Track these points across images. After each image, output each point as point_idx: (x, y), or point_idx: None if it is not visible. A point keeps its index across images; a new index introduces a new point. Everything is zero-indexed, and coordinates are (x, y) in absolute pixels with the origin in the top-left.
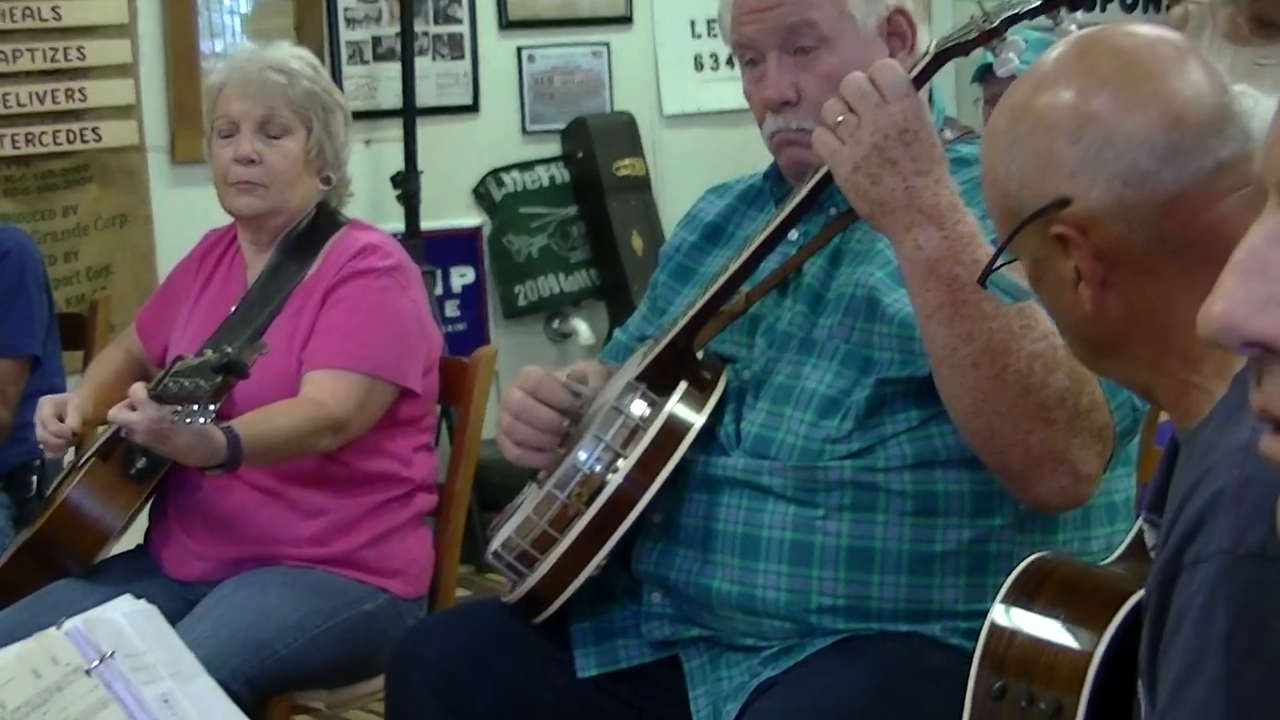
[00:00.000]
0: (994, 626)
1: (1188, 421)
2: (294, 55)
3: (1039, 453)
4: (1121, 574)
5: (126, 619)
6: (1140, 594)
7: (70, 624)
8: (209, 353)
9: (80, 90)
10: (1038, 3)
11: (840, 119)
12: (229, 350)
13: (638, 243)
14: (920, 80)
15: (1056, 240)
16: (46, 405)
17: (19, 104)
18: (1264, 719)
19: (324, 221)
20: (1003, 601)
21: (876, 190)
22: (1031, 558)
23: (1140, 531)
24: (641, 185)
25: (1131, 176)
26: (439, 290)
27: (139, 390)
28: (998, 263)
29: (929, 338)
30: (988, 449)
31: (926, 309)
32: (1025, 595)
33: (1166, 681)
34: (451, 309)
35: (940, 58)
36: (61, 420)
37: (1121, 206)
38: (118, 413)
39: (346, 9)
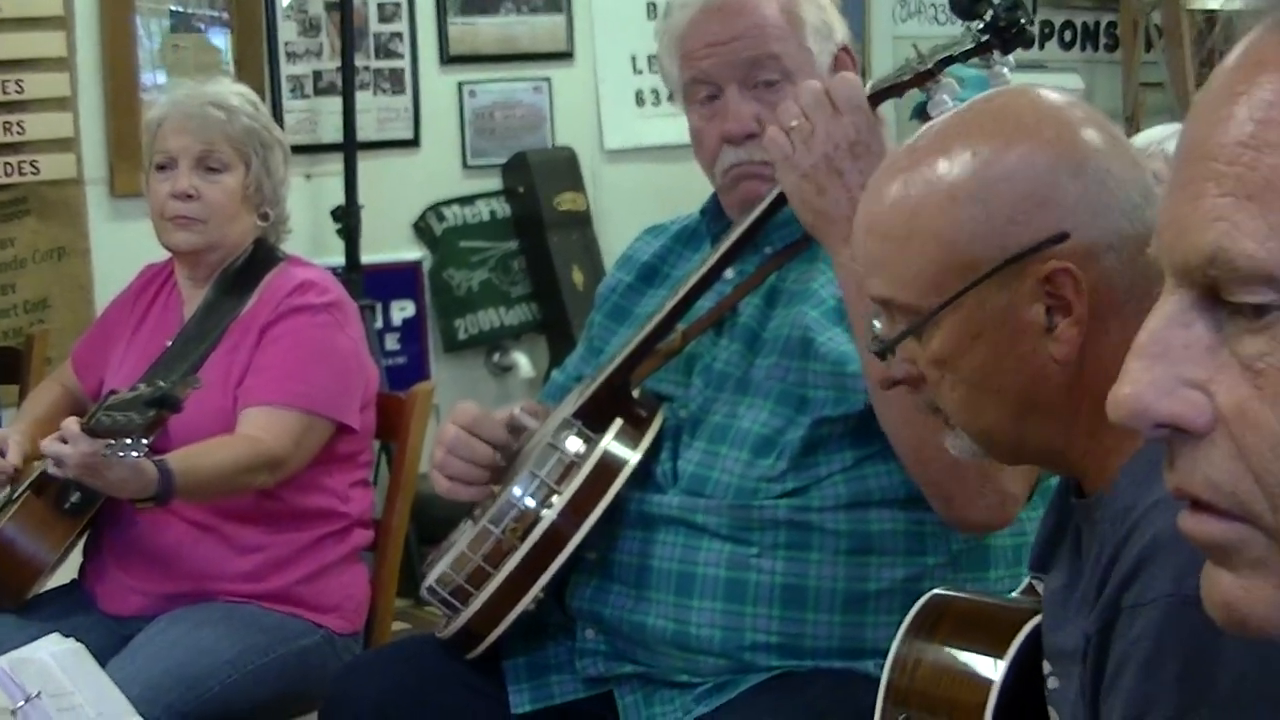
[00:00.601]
0: (895, 661)
1: (1097, 483)
2: (234, 91)
3: (966, 465)
4: (1021, 603)
5: (54, 658)
6: (1038, 618)
7: None
8: (142, 387)
9: (19, 123)
10: (971, 45)
11: (795, 124)
12: (162, 384)
13: (578, 277)
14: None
15: (1043, 281)
16: None
17: None
18: None
19: (261, 257)
20: (903, 637)
21: (820, 200)
22: (929, 594)
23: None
24: (582, 220)
25: (1128, 209)
26: (379, 324)
27: (71, 424)
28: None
29: (867, 367)
30: (917, 460)
31: (860, 321)
32: (925, 630)
33: None
34: (391, 342)
35: (876, 98)
36: (2, 456)
37: (1120, 239)
38: (49, 445)
39: (287, 43)
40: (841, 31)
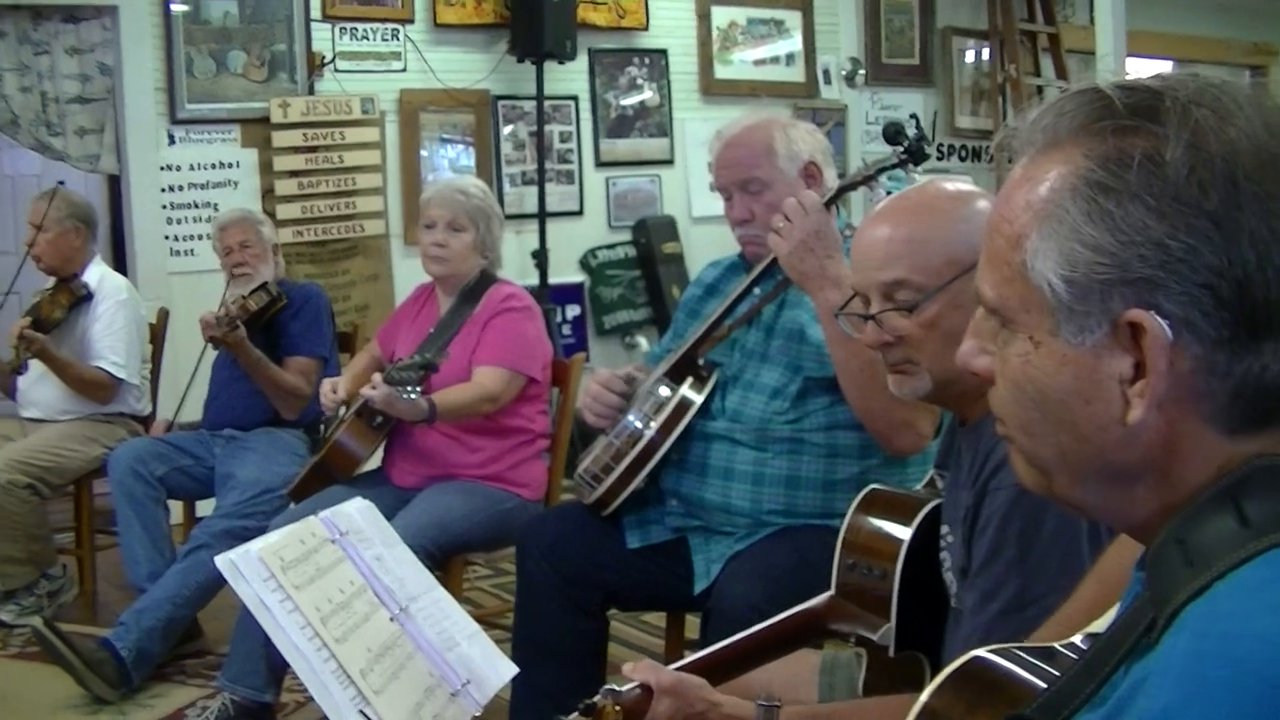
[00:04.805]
0: (849, 526)
1: (972, 417)
2: (473, 183)
3: (897, 420)
4: (922, 495)
5: (356, 510)
6: (933, 503)
7: (323, 514)
8: (417, 357)
9: (351, 202)
10: (895, 161)
11: (781, 225)
12: (428, 356)
13: (675, 292)
14: (829, 204)
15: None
16: (326, 385)
17: (318, 211)
18: (1040, 584)
19: (484, 280)
20: (853, 513)
21: (803, 266)
22: (869, 488)
23: (933, 477)
24: (679, 259)
25: None
26: (559, 319)
27: (377, 378)
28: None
29: (833, 355)
30: (867, 417)
31: (831, 337)
32: (865, 509)
33: (978, 560)
34: (566, 330)
35: (840, 191)
36: (334, 393)
37: None
38: (365, 390)
39: (506, 155)
40: (809, 152)
